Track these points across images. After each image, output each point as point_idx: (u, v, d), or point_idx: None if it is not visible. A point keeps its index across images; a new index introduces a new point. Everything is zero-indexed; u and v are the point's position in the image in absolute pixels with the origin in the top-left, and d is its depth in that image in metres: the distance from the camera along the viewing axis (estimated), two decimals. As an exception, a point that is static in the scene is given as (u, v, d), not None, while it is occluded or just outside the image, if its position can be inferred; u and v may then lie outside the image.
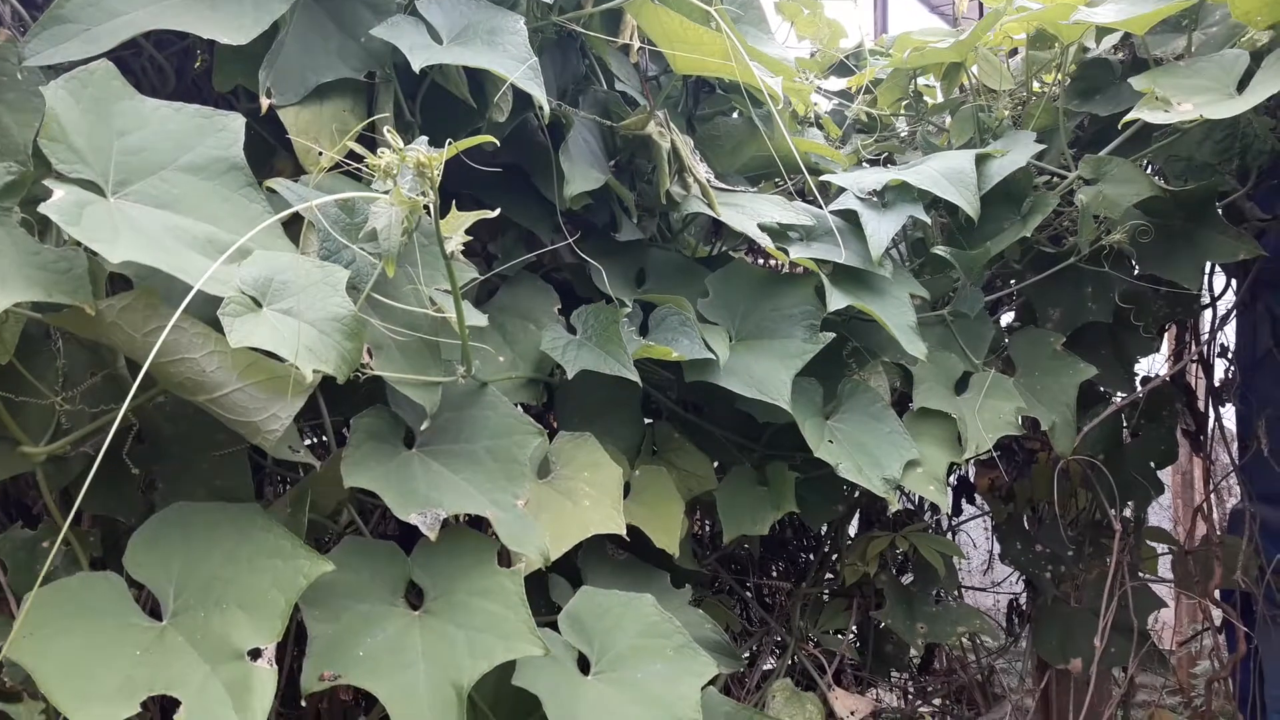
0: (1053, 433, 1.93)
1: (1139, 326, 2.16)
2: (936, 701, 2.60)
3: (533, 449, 1.36)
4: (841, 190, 1.85)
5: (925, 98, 2.57)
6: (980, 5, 2.47)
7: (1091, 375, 2.00)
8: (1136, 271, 2.11)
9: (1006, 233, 1.96)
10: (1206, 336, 2.43)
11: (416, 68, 1.27)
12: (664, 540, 1.62)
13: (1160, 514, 3.86)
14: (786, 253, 1.71)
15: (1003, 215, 2.00)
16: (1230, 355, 2.42)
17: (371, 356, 1.23)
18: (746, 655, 2.06)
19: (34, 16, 1.24)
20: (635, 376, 1.51)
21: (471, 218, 1.14)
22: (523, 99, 1.52)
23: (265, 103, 1.26)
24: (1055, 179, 2.06)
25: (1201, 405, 2.51)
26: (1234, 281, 2.34)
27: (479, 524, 1.41)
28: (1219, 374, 2.47)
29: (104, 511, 1.27)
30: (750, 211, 1.73)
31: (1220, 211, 2.00)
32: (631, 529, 1.52)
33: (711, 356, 1.61)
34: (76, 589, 1.09)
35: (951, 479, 2.44)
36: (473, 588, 1.25)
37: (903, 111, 2.54)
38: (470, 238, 1.15)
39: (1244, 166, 1.98)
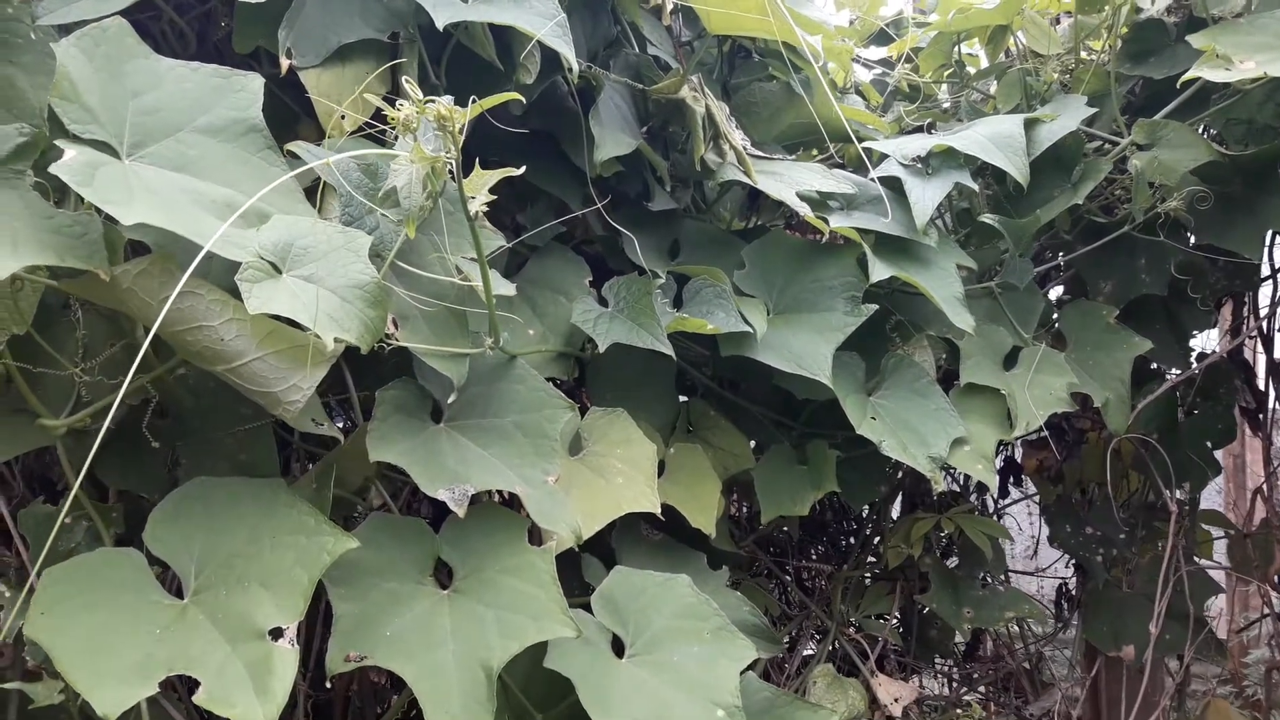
0: (1106, 410, 1.85)
1: (1195, 299, 2.08)
2: (981, 689, 2.53)
3: (564, 424, 1.32)
4: (884, 158, 1.78)
5: (968, 67, 2.49)
6: (1026, -32, 2.38)
7: (1146, 350, 1.92)
8: (1193, 241, 2.02)
9: (1057, 201, 1.88)
10: (1266, 310, 2.32)
11: (440, 25, 1.22)
12: (700, 520, 1.57)
13: (1210, 498, 3.74)
14: (826, 222, 1.64)
15: (1052, 183, 1.92)
16: (1291, 329, 2.32)
17: (397, 328, 1.18)
18: (785, 640, 2.01)
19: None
20: (669, 349, 1.45)
21: (496, 175, 1.09)
22: (551, 62, 1.47)
23: (285, 63, 1.22)
24: (1107, 145, 1.98)
25: (1261, 382, 2.40)
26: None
27: (509, 501, 1.36)
28: (1280, 349, 2.37)
29: (126, 487, 1.24)
30: (789, 179, 1.67)
31: (1282, 176, 1.91)
32: (666, 508, 1.47)
33: (749, 330, 1.55)
34: (96, 565, 1.06)
35: (996, 460, 2.37)
36: (503, 566, 1.21)
37: (945, 78, 2.45)
38: (494, 197, 1.10)
39: (1309, 128, 1.88)
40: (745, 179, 1.62)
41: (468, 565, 1.23)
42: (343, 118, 1.27)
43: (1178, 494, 2.25)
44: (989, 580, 2.18)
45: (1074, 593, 2.54)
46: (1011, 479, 2.52)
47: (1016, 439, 1.76)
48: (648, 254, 1.58)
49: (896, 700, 1.84)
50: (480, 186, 1.07)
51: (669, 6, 1.60)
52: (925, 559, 2.01)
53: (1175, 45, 1.98)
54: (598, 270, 1.62)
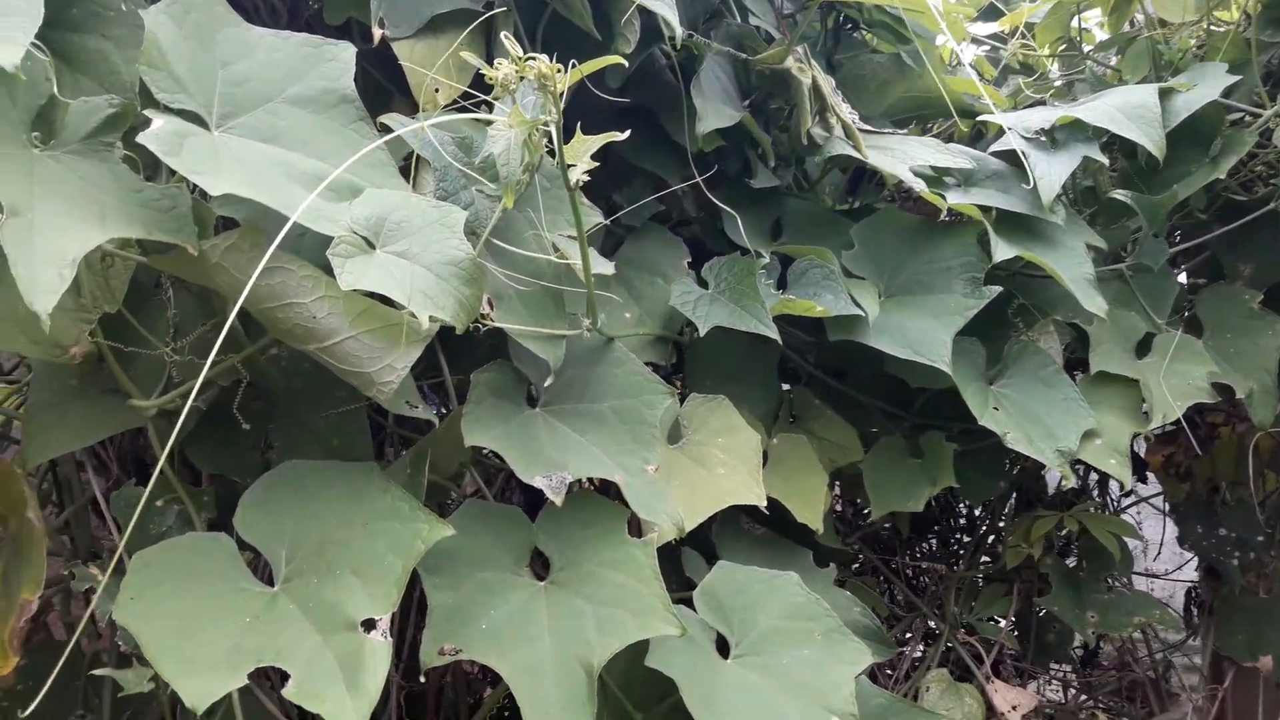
0: (1250, 401, 1.71)
1: (1347, 283, 1.90)
2: (1102, 698, 2.38)
3: (662, 411, 1.25)
4: (1002, 132, 1.66)
5: (1086, 45, 2.34)
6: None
7: (1293, 337, 1.76)
8: (1345, 220, 1.84)
9: (1194, 176, 1.73)
10: None
11: (537, -10, 1.16)
12: (806, 514, 1.48)
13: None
14: (944, 199, 1.54)
15: (1189, 157, 1.78)
16: None
17: (492, 308, 1.13)
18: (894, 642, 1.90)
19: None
20: (774, 333, 1.37)
21: (599, 140, 1.03)
22: (650, 32, 1.40)
23: (378, 33, 1.18)
24: (1247, 118, 1.82)
25: None
26: None
27: (604, 490, 1.30)
28: None
29: (217, 470, 1.22)
30: (901, 155, 1.57)
31: None
32: (769, 502, 1.39)
33: (860, 313, 1.46)
34: (186, 550, 1.03)
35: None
36: (602, 558, 1.15)
37: (1062, 52, 2.31)
38: (597, 164, 1.04)
39: None
40: (855, 154, 1.53)
41: (565, 556, 1.17)
42: (436, 90, 1.22)
43: (1324, 495, 2.08)
44: (1113, 583, 2.04)
45: (1203, 598, 2.37)
46: (1136, 476, 2.36)
47: (1153, 431, 1.62)
48: (749, 234, 1.50)
49: (1015, 708, 1.72)
50: (582, 154, 1.01)
51: (774, -29, 1.52)
52: (1045, 559, 1.88)
53: (1325, 7, 1.82)
54: (695, 253, 1.55)
